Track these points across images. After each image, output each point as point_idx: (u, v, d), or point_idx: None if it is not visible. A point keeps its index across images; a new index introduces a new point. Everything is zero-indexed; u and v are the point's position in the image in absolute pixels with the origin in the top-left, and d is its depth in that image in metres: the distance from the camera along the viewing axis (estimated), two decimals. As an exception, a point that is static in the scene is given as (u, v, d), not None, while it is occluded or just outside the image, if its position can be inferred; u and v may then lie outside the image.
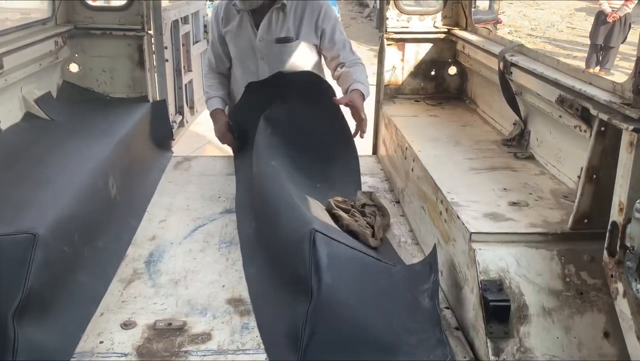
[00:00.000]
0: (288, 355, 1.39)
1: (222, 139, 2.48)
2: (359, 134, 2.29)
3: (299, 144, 2.23)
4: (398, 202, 2.28)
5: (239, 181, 2.33)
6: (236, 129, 2.45)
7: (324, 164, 2.22)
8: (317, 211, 1.78)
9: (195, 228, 2.06)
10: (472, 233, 1.50)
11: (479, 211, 1.61)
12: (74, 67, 2.65)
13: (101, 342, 1.45)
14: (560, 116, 1.76)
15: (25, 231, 1.42)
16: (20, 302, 1.31)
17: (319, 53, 2.49)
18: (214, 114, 2.49)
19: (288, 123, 2.29)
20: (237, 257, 1.87)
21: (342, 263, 1.54)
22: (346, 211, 1.97)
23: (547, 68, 1.82)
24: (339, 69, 2.44)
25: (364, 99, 2.31)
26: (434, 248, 1.64)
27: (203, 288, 1.71)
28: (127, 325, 1.52)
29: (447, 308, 1.64)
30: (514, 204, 1.66)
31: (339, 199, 2.02)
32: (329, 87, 2.34)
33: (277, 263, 1.70)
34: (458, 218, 1.58)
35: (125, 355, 1.41)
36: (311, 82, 2.35)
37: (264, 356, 1.43)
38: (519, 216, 1.59)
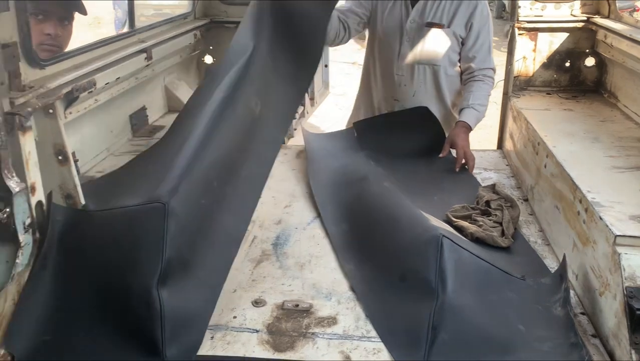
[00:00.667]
0: (409, 351, 1.39)
1: None
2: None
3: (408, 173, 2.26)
4: (527, 200, 2.18)
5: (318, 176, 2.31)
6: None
7: (436, 184, 2.23)
8: (439, 222, 1.75)
9: (317, 215, 2.11)
10: (617, 235, 1.40)
11: (624, 213, 1.50)
12: (208, 59, 2.81)
13: (234, 317, 1.53)
14: None
15: (156, 200, 1.47)
16: (161, 271, 1.39)
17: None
18: None
19: (395, 158, 2.35)
20: (359, 246, 1.89)
21: (468, 270, 1.52)
22: (467, 218, 1.93)
23: None
24: (465, 75, 2.46)
25: (470, 129, 2.38)
26: (564, 257, 1.57)
27: (327, 273, 1.75)
28: (257, 303, 1.59)
29: (583, 313, 1.54)
30: (664, 206, 1.53)
31: (456, 207, 1.98)
32: (439, 128, 2.43)
33: (386, 263, 1.68)
34: (600, 219, 1.48)
35: (257, 331, 1.48)
36: (423, 119, 2.42)
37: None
38: (671, 220, 1.46)
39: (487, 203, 1.98)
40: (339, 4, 2.34)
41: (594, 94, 2.59)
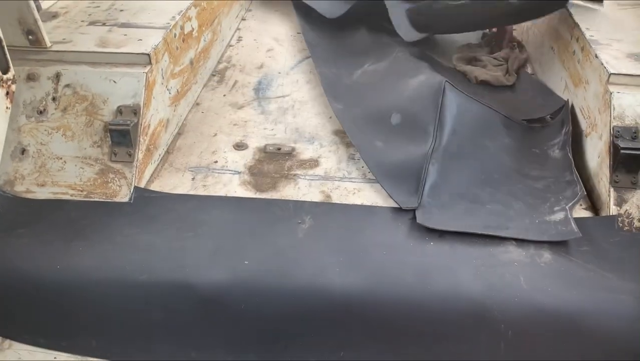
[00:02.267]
0: (404, 192, 1.38)
1: None
2: None
3: None
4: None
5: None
6: None
7: None
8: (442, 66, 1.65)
9: (302, 59, 2.01)
10: (611, 73, 1.34)
11: (622, 51, 1.42)
12: None
13: (215, 161, 1.51)
14: None
15: None
16: None
17: None
18: None
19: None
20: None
21: (468, 115, 1.48)
22: (471, 60, 1.84)
23: None
24: None
25: None
26: (567, 103, 1.52)
27: (311, 118, 1.70)
28: (239, 146, 1.57)
29: (566, 155, 1.53)
30: (665, 45, 1.45)
31: (462, 46, 1.87)
32: None
33: (381, 105, 1.63)
34: (596, 57, 1.41)
35: (239, 172, 1.47)
36: None
37: (368, 185, 1.44)
38: (670, 59, 1.39)
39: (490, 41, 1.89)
40: None
41: None
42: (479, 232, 1.24)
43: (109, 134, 1.35)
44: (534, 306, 1.08)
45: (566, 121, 1.49)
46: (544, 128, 1.53)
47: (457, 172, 1.40)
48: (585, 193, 1.34)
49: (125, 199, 1.33)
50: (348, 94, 1.73)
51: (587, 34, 1.50)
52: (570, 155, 1.43)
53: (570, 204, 1.31)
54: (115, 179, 1.36)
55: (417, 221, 1.27)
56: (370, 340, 1.10)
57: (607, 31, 1.51)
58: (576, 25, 1.56)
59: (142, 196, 1.34)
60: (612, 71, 1.34)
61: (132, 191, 1.34)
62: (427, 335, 1.09)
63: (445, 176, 1.38)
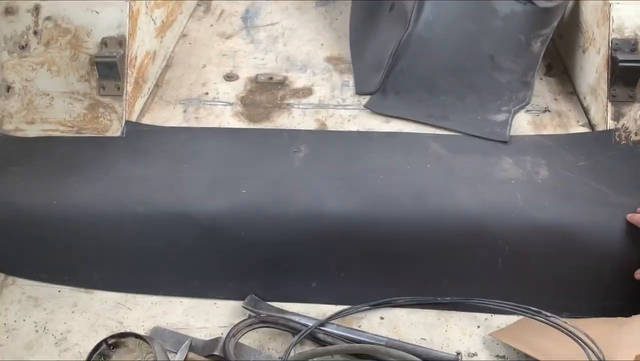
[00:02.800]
0: (367, 81, 1.35)
1: None
2: None
3: None
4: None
5: None
6: None
7: None
8: None
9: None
10: (610, -16, 1.29)
11: (622, -39, 1.37)
12: None
13: (206, 93, 1.48)
14: None
15: None
16: None
17: None
18: None
19: None
20: (335, 16, 1.77)
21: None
22: None
23: None
24: None
25: None
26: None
27: (302, 45, 1.66)
28: (229, 77, 1.53)
29: (563, 73, 1.50)
30: (667, -48, 1.39)
31: None
32: None
33: None
34: (595, -33, 1.36)
35: (231, 103, 1.44)
36: None
37: (364, 112, 1.41)
38: (671, -33, 1.34)
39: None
40: None
41: None
42: (419, 120, 1.28)
43: (95, 67, 1.31)
44: (531, 221, 1.09)
45: (560, 12, 1.43)
46: (540, 13, 1.43)
47: (426, 59, 1.37)
48: (531, 100, 1.35)
49: (117, 134, 1.31)
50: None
51: (586, -56, 1.44)
52: (542, 54, 1.39)
53: (517, 107, 1.31)
54: (106, 113, 1.33)
55: (364, 105, 1.27)
56: (370, 260, 1.11)
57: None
58: None
59: (134, 129, 1.32)
60: (612, -19, 1.30)
61: (123, 125, 1.32)
62: (425, 254, 1.10)
63: (412, 61, 1.35)
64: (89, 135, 1.31)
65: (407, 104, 1.29)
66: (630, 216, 1.05)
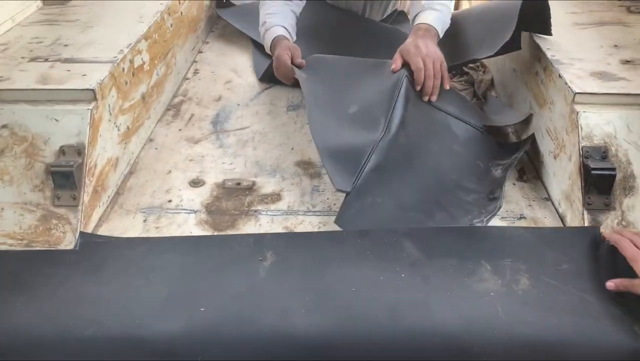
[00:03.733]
0: (344, 173, 1.31)
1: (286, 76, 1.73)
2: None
3: None
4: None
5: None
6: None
7: None
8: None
9: (261, 90, 1.95)
10: (576, 93, 1.30)
11: (585, 70, 1.39)
12: None
13: (169, 200, 1.42)
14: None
15: None
16: None
17: None
18: (277, 42, 1.72)
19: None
20: (305, 120, 1.77)
21: (422, 114, 1.43)
22: None
23: None
24: None
25: (437, 35, 1.55)
26: (533, 135, 1.50)
27: (272, 149, 1.63)
28: (195, 183, 1.48)
29: (536, 178, 1.49)
30: (626, 62, 1.43)
31: None
32: None
33: (338, 98, 1.56)
34: (560, 77, 1.38)
35: (195, 211, 1.37)
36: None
37: (334, 217, 1.35)
38: (632, 76, 1.36)
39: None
40: None
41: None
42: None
43: (50, 177, 1.25)
44: (514, 337, 1.01)
45: (521, 148, 1.48)
46: (496, 145, 1.50)
47: (395, 167, 1.34)
48: (502, 205, 1.34)
49: (70, 247, 1.23)
50: (315, 65, 1.66)
51: (549, 54, 1.47)
52: (506, 176, 1.41)
53: (489, 217, 1.30)
54: (59, 225, 1.25)
55: (334, 222, 1.23)
56: (342, 386, 1.01)
57: (568, 51, 1.48)
58: (537, 45, 1.54)
59: (88, 242, 1.23)
60: (577, 90, 1.31)
61: (77, 237, 1.23)
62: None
63: (385, 168, 1.31)
64: (39, 248, 1.22)
65: (375, 218, 1.25)
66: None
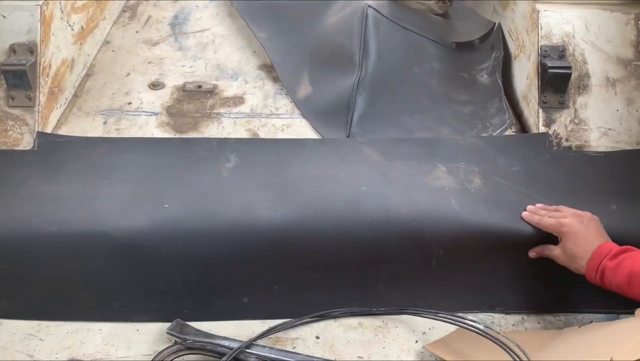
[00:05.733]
0: (332, 126, 1.33)
1: None
2: None
3: None
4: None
5: None
6: None
7: None
8: None
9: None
10: (538, -9, 1.30)
11: (548, -31, 1.39)
12: None
13: (129, 103, 1.39)
14: None
15: None
16: None
17: None
18: None
19: None
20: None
21: (395, 41, 1.44)
22: None
23: None
24: None
25: None
26: (498, 25, 1.48)
27: (233, 52, 1.59)
28: (155, 86, 1.45)
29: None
30: (589, -39, 1.42)
31: None
32: None
33: (305, 33, 1.55)
34: (523, -25, 1.37)
35: (156, 114, 1.36)
36: None
37: (298, 120, 1.37)
38: (594, -25, 1.37)
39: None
40: None
41: None
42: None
43: (2, 76, 1.21)
44: (464, 225, 1.07)
45: (496, 45, 1.46)
46: (472, 52, 1.49)
47: (385, 100, 1.36)
48: (514, 121, 1.33)
49: (29, 147, 1.21)
50: (271, 21, 1.62)
51: (513, -46, 1.45)
52: (500, 81, 1.41)
53: (498, 131, 1.30)
54: (16, 126, 1.22)
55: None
56: (304, 272, 1.06)
57: (532, -50, 1.46)
58: (502, -55, 1.51)
59: (47, 142, 1.22)
60: (539, -12, 1.31)
61: (35, 137, 1.21)
62: (360, 261, 1.07)
63: (373, 104, 1.33)
64: (-3, 149, 1.20)
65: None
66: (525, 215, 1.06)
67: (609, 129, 1.26)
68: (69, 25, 1.38)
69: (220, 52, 1.60)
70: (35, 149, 1.20)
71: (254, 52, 1.60)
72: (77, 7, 1.43)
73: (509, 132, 1.32)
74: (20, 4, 1.24)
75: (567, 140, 1.26)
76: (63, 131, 1.29)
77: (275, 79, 1.50)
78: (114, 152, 1.21)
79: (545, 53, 1.28)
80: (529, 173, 1.20)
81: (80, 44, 1.45)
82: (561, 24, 1.29)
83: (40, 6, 1.24)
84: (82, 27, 1.45)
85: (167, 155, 1.22)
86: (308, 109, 1.40)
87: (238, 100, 1.43)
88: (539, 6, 1.30)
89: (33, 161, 1.18)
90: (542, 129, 1.26)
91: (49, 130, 1.27)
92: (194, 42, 1.62)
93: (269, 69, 1.53)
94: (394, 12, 1.50)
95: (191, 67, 1.53)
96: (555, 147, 1.25)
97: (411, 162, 1.22)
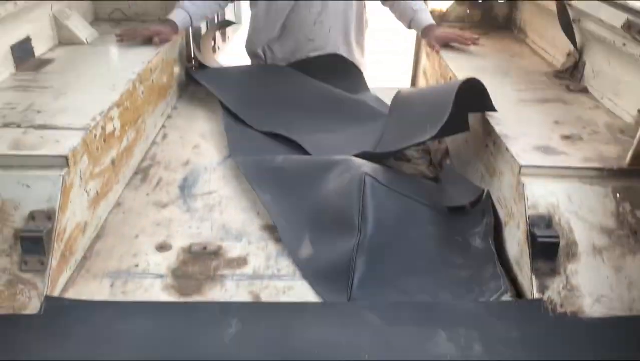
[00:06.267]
0: (334, 289, 1.37)
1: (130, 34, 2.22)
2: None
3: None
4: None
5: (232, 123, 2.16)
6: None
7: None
8: (365, 162, 1.70)
9: (229, 155, 2.01)
10: (522, 166, 1.42)
11: (530, 144, 1.52)
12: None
13: (136, 265, 1.44)
14: (624, 44, 1.62)
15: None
16: None
17: None
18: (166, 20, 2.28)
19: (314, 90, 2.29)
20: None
21: (391, 206, 1.53)
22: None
23: (613, -9, 1.67)
24: None
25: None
26: (488, 192, 1.58)
27: (238, 213, 1.68)
28: (162, 248, 1.51)
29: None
30: (566, 138, 1.56)
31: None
32: (357, 69, 2.45)
33: (306, 197, 1.65)
34: (507, 150, 1.49)
35: (161, 276, 1.40)
36: (338, 65, 2.39)
37: (300, 282, 1.41)
38: (572, 150, 1.49)
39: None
40: None
41: (505, 30, 2.61)
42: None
43: (18, 242, 1.26)
44: None
45: (487, 211, 1.55)
46: (464, 216, 1.58)
47: (384, 262, 1.41)
48: (509, 287, 1.37)
49: (35, 311, 1.23)
50: (275, 183, 1.73)
51: (497, 129, 1.60)
52: (493, 247, 1.47)
53: (495, 296, 1.34)
54: (25, 290, 1.25)
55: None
56: None
57: (514, 126, 1.61)
58: (486, 120, 1.66)
59: (54, 306, 1.24)
60: (523, 163, 1.42)
61: (42, 301, 1.24)
62: None
63: (373, 267, 1.38)
64: (3, 313, 1.22)
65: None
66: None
67: (602, 296, 1.30)
68: (86, 191, 1.47)
69: (226, 213, 1.68)
70: (42, 313, 1.22)
71: (258, 213, 1.68)
72: (95, 173, 1.54)
73: (505, 297, 1.36)
74: (44, 174, 1.34)
75: (561, 306, 1.29)
76: (70, 294, 1.32)
77: (278, 240, 1.56)
78: (118, 317, 1.23)
79: (533, 222, 1.36)
80: (528, 340, 1.22)
81: (94, 207, 1.53)
82: (546, 195, 1.39)
83: (63, 176, 1.34)
84: (97, 192, 1.55)
85: (170, 320, 1.24)
86: (309, 271, 1.44)
87: (242, 261, 1.48)
88: (523, 179, 1.41)
89: (39, 325, 1.20)
90: (536, 295, 1.30)
91: (56, 292, 1.30)
92: (201, 203, 1.72)
93: (272, 230, 1.61)
94: (389, 178, 1.61)
95: (198, 228, 1.60)
96: (551, 314, 1.28)
97: (412, 328, 1.24)
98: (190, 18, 2.33)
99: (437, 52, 2.25)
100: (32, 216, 1.29)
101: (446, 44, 2.29)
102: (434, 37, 2.30)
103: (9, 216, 1.29)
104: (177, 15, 2.31)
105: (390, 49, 6.14)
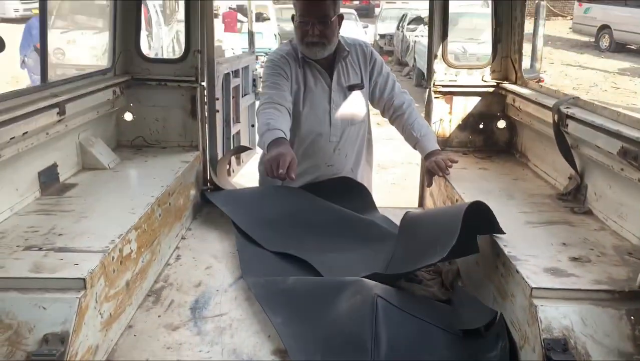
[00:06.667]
0: None
1: (283, 164, 1.99)
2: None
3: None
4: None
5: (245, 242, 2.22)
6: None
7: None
8: (376, 284, 1.72)
9: (240, 276, 2.03)
10: (533, 288, 1.43)
11: (539, 266, 1.54)
12: (128, 116, 2.73)
13: (146, 390, 1.41)
14: (622, 169, 1.69)
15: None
16: None
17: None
18: (277, 142, 2.11)
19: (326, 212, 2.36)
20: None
21: (403, 329, 1.53)
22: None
23: (607, 120, 1.77)
24: (394, 113, 2.53)
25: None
26: (501, 315, 1.58)
27: (249, 337, 1.66)
28: (172, 374, 1.48)
29: None
30: (575, 259, 1.58)
31: None
32: (366, 190, 2.54)
33: (318, 320, 1.64)
34: (517, 272, 1.51)
35: (170, 403, 1.37)
36: (347, 186, 2.49)
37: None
38: (581, 272, 1.51)
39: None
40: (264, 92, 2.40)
41: (507, 154, 2.73)
42: None
43: (30, 366, 1.26)
44: None
45: (501, 335, 1.53)
46: (478, 340, 1.56)
47: None
48: None
49: None
50: (286, 305, 1.73)
51: (506, 250, 1.63)
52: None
53: None
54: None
55: None
56: None
57: (522, 248, 1.64)
58: (495, 242, 1.70)
59: None
60: (534, 285, 1.43)
61: None
62: None
63: None
64: None
65: None
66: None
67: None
68: (100, 313, 1.49)
69: (236, 336, 1.66)
70: None
71: (269, 336, 1.67)
72: (110, 295, 1.56)
73: None
74: (62, 297, 1.36)
75: None
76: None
77: (289, 366, 1.54)
78: None
79: (549, 346, 1.34)
80: None
81: (107, 330, 1.53)
82: (559, 318, 1.38)
83: (79, 298, 1.36)
84: (110, 314, 1.55)
85: None
86: None
87: (252, 388, 1.45)
88: (535, 301, 1.41)
89: None
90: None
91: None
92: (212, 326, 1.71)
93: (283, 355, 1.58)
94: (401, 300, 1.62)
95: (208, 352, 1.58)
96: None
97: None
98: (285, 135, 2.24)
99: (429, 186, 2.46)
100: (46, 339, 1.30)
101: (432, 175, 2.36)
102: (425, 169, 2.46)
103: (22, 339, 1.30)
104: (282, 134, 2.18)
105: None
